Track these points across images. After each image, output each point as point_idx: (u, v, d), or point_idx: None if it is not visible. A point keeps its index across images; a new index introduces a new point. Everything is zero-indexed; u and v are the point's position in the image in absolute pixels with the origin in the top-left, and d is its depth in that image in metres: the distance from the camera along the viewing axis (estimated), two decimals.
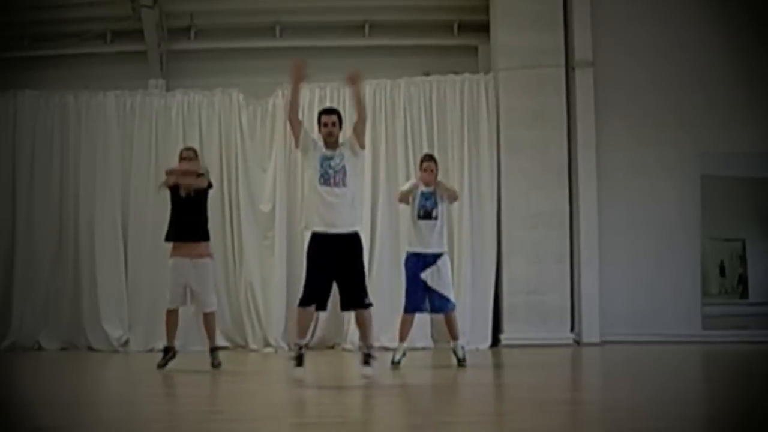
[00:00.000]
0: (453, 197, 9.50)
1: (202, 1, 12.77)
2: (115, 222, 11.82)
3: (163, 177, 9.30)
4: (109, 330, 11.55)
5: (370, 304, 7.81)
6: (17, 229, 11.84)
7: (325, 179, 7.71)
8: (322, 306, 7.94)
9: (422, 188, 9.20)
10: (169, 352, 9.07)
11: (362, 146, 7.94)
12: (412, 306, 9.14)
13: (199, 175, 9.13)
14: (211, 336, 9.22)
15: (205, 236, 9.14)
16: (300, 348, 7.72)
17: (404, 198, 9.28)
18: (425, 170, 9.25)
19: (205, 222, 9.20)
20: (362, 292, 7.78)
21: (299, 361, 7.69)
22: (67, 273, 11.81)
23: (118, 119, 12.04)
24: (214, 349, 9.12)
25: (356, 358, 8.34)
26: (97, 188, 11.85)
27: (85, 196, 11.87)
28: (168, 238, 9.12)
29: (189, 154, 9.21)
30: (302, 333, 7.80)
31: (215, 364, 9.00)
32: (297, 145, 7.94)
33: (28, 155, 11.96)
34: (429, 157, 9.51)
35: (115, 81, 12.34)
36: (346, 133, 7.94)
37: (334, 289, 7.83)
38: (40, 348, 11.60)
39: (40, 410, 6.48)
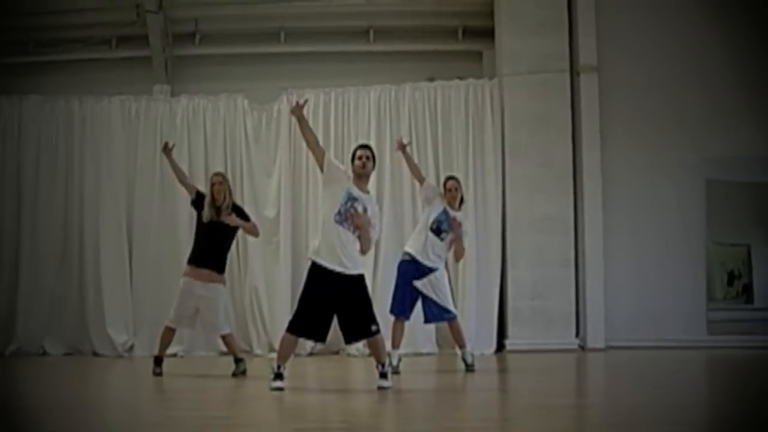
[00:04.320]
0: (459, 252, 9.29)
1: (207, 7, 12.82)
2: (119, 227, 11.85)
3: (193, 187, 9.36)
4: (113, 335, 11.58)
5: (378, 331, 7.67)
6: (22, 234, 11.86)
7: (341, 219, 7.53)
8: (321, 338, 7.86)
9: (445, 206, 9.19)
10: (160, 362, 9.07)
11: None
12: (397, 309, 9.12)
13: (237, 213, 9.14)
14: (232, 352, 9.16)
15: (220, 268, 9.06)
16: (279, 367, 7.60)
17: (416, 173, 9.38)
18: (449, 189, 9.27)
19: (225, 253, 9.13)
20: (367, 322, 7.62)
21: (279, 377, 7.60)
22: (71, 278, 11.83)
23: (123, 124, 12.08)
24: (238, 360, 9.07)
25: (367, 364, 8.29)
26: (101, 193, 11.88)
27: (90, 201, 11.90)
28: (189, 262, 9.08)
29: (218, 179, 9.15)
30: (282, 358, 7.66)
31: (236, 373, 8.95)
32: (322, 170, 7.71)
33: (33, 160, 11.99)
34: (452, 177, 9.57)
35: (120, 86, 12.40)
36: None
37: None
38: (44, 353, 11.62)
39: (45, 415, 6.48)
